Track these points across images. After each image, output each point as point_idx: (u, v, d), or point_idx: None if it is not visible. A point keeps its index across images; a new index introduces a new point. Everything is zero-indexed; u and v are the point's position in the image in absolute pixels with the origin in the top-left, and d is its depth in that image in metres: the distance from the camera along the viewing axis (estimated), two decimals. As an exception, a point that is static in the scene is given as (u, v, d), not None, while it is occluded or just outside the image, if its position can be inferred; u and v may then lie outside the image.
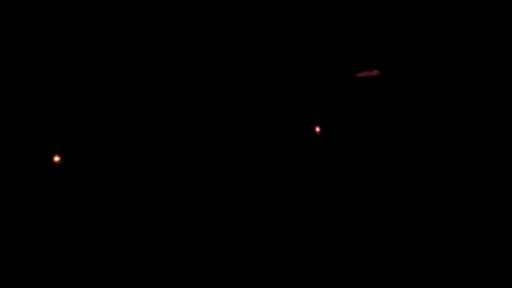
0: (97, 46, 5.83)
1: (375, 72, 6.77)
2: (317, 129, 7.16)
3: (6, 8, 5.30)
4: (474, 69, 6.83)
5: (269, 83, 6.89)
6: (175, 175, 7.03)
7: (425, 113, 7.07)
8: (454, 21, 6.38)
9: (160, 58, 6.19)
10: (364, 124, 7.16)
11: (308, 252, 6.66)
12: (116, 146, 6.86)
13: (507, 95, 6.82)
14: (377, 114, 7.14)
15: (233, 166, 7.13)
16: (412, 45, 6.66)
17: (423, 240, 6.54)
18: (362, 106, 7.12)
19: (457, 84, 6.94)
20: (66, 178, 6.77)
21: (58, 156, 6.66)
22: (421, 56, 6.80)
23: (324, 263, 6.53)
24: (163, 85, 6.61)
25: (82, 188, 6.83)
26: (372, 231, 6.77)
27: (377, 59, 6.70)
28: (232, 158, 7.15)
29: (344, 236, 6.79)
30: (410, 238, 6.60)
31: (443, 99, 7.01)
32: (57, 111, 6.52)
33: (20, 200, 6.55)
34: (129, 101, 6.71)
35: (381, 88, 7.03)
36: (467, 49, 6.70)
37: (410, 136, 7.10)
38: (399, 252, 6.49)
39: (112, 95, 6.59)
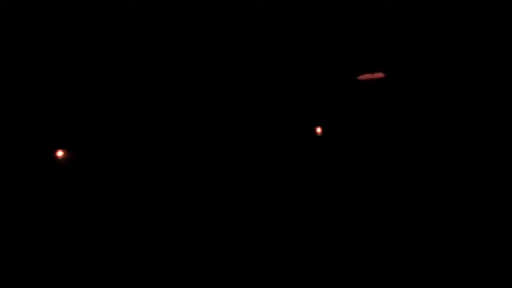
0: (97, 46, 5.80)
1: (377, 75, 6.72)
2: (318, 129, 7.12)
3: (6, 8, 5.25)
4: (480, 71, 6.76)
5: (269, 84, 6.85)
6: (175, 175, 7.02)
7: (428, 116, 7.02)
8: (460, 22, 6.29)
9: (160, 58, 6.16)
10: (365, 125, 7.12)
11: (308, 253, 6.65)
12: (116, 146, 6.86)
13: None
14: (379, 116, 7.10)
15: (233, 166, 7.12)
16: (416, 46, 6.59)
17: (423, 240, 6.55)
18: (363, 108, 7.07)
19: (461, 87, 6.88)
20: (66, 178, 6.76)
21: (58, 156, 6.66)
22: (424, 58, 6.73)
23: (324, 264, 6.53)
24: (163, 85, 6.60)
25: (81, 188, 6.82)
26: (373, 231, 6.77)
27: (379, 61, 6.64)
28: (232, 159, 7.13)
29: (345, 236, 6.78)
30: (410, 239, 6.60)
31: (447, 102, 6.96)
32: (56, 111, 6.52)
33: (19, 200, 6.55)
34: (129, 101, 6.71)
35: (383, 91, 6.98)
36: (473, 51, 6.62)
37: (411, 138, 7.06)
38: (399, 252, 6.50)
39: (112, 95, 6.58)
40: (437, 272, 6.21)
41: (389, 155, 7.11)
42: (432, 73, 6.82)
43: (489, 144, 6.80)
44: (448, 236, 6.50)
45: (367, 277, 6.36)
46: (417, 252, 6.46)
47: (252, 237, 6.83)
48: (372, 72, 6.66)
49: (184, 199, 7.00)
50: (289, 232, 6.86)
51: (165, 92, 6.69)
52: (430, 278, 6.16)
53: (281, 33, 6.18)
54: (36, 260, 6.49)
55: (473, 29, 6.36)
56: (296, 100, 7.07)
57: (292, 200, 7.10)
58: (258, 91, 6.93)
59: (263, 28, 6.08)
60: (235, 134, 7.12)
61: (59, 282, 6.43)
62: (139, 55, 6.04)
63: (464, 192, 6.74)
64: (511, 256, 6.05)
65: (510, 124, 6.72)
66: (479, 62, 6.66)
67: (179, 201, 6.99)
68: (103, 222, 6.79)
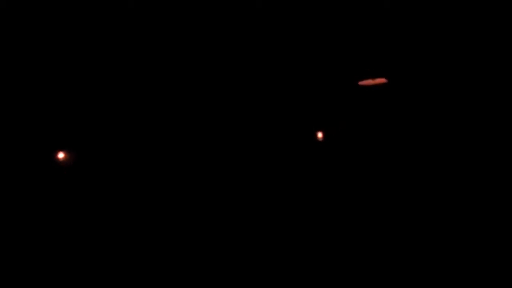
0: (98, 46, 5.82)
1: (379, 80, 6.63)
2: (319, 135, 7.07)
3: (6, 8, 5.28)
4: (485, 77, 6.65)
5: (268, 89, 6.81)
6: (175, 178, 7.00)
7: (431, 123, 6.93)
8: (464, 27, 6.18)
9: (160, 58, 6.15)
10: (366, 131, 7.04)
11: (310, 257, 6.60)
12: (117, 147, 6.85)
13: None
14: (380, 122, 7.02)
15: (234, 169, 7.07)
16: (419, 51, 6.47)
17: (425, 243, 6.48)
18: (364, 115, 7.00)
19: (465, 93, 6.78)
20: (66, 178, 6.77)
21: (58, 157, 6.67)
22: (428, 64, 6.62)
23: (326, 267, 6.48)
24: (163, 87, 6.59)
25: (82, 189, 6.82)
26: (374, 234, 6.70)
27: (381, 66, 6.54)
28: (233, 162, 7.09)
29: (346, 239, 6.71)
30: (412, 241, 6.53)
31: (450, 108, 6.86)
32: (56, 112, 6.55)
33: (20, 201, 6.56)
34: (130, 101, 6.72)
35: (385, 97, 6.91)
36: (477, 56, 6.51)
37: (413, 145, 6.97)
38: (400, 255, 6.45)
39: (112, 96, 6.59)
40: (439, 273, 6.17)
41: (391, 162, 7.04)
42: (435, 79, 6.73)
43: (493, 151, 6.69)
44: (449, 239, 6.42)
45: (369, 278, 6.35)
46: (418, 253, 6.41)
47: (254, 240, 6.78)
48: (373, 77, 6.58)
49: (184, 201, 6.97)
50: (290, 234, 6.81)
51: (165, 94, 6.69)
52: (431, 278, 6.15)
53: (281, 37, 6.13)
54: (36, 261, 6.50)
55: (478, 34, 6.26)
56: (296, 106, 7.03)
57: (293, 203, 7.05)
58: (256, 96, 6.89)
59: (263, 32, 6.04)
60: (235, 137, 7.10)
61: (60, 282, 6.43)
62: (139, 55, 6.04)
63: (465, 196, 6.64)
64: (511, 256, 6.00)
65: None
66: (484, 67, 6.56)
67: (179, 204, 6.97)
68: (103, 223, 6.79)
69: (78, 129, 6.70)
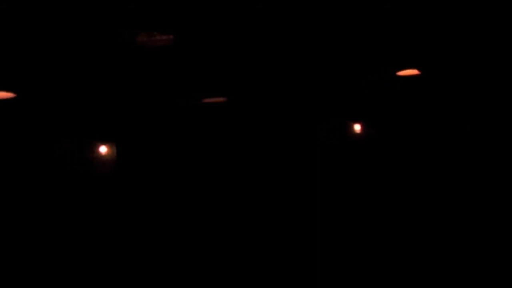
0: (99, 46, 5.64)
1: (410, 72, 6.29)
2: (357, 126, 6.79)
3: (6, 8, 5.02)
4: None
5: (303, 79, 6.58)
6: (176, 176, 6.86)
7: (468, 118, 6.55)
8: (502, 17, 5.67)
9: (162, 58, 5.95)
10: (397, 124, 6.75)
11: (318, 261, 6.48)
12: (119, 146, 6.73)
13: None
14: (411, 116, 6.71)
15: (245, 170, 6.93)
16: (454, 42, 6.04)
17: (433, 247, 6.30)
18: (398, 107, 6.70)
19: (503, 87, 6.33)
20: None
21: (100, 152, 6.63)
22: (464, 55, 6.19)
23: (332, 271, 6.38)
24: (164, 86, 6.43)
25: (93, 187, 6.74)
26: (383, 236, 6.52)
27: (417, 56, 6.16)
28: (245, 161, 6.94)
29: (355, 242, 6.56)
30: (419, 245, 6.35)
31: (488, 103, 6.45)
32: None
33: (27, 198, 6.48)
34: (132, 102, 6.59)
35: (417, 89, 6.55)
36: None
37: (446, 140, 6.63)
38: (409, 260, 6.29)
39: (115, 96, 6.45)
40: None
41: (421, 157, 6.73)
42: (469, 71, 6.33)
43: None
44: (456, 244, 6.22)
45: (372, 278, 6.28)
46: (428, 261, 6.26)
47: (257, 244, 6.66)
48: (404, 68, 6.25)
49: (189, 201, 6.85)
50: (299, 238, 6.66)
51: (165, 93, 6.53)
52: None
53: (314, 27, 5.78)
54: (49, 259, 6.46)
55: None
56: (321, 98, 6.78)
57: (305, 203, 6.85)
58: (293, 85, 6.64)
59: (300, 21, 5.68)
60: (267, 126, 6.91)
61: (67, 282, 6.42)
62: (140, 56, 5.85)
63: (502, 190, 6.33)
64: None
65: None
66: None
67: (183, 202, 6.84)
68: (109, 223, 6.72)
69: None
